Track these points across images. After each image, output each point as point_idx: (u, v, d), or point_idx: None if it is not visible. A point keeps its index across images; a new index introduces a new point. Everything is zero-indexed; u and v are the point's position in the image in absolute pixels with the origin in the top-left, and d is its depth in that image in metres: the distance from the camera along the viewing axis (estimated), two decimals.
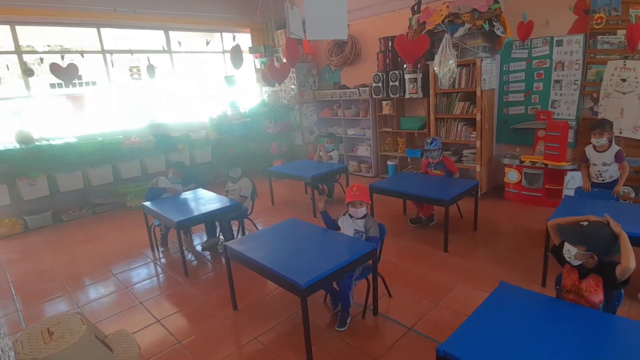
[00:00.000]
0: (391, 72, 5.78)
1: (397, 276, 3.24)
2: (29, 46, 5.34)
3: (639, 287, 2.63)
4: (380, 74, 5.92)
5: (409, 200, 4.49)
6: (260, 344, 2.55)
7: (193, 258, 4.03)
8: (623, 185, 3.36)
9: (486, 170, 5.10)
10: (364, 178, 6.56)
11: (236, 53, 5.09)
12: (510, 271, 3.20)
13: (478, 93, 4.72)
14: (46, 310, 3.18)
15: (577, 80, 4.48)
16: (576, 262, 1.79)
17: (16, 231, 4.97)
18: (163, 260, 3.99)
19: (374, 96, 6.15)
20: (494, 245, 3.74)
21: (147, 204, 3.98)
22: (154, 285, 3.49)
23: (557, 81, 4.64)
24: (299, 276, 2.17)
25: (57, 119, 5.61)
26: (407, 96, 5.66)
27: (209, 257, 4.02)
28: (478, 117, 4.80)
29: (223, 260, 3.38)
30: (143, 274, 3.70)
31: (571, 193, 3.75)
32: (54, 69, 4.98)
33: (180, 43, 6.51)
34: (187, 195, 4.27)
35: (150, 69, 5.95)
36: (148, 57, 6.08)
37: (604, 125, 3.34)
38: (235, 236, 4.14)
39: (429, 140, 4.18)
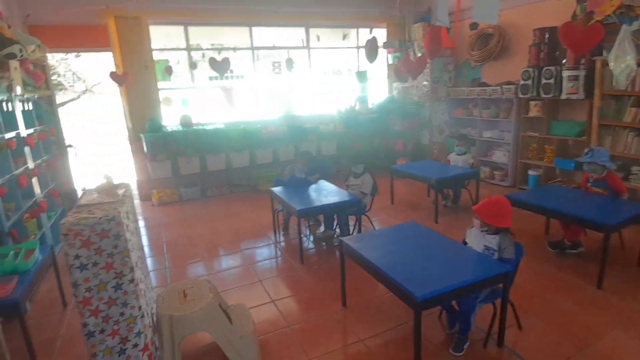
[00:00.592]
0: (545, 68, 4.99)
1: (530, 306, 2.78)
2: (197, 44, 6.27)
3: None
4: (531, 70, 5.16)
5: (555, 219, 3.81)
6: (366, 348, 2.47)
7: (311, 245, 4.18)
8: None
9: None
10: (497, 187, 5.88)
11: (372, 45, 5.02)
12: None
13: None
14: (188, 271, 3.69)
15: None
16: None
17: (173, 199, 5.93)
18: (283, 244, 4.24)
19: (521, 95, 5.41)
20: None
21: (276, 189, 4.24)
22: (273, 266, 3.73)
23: None
24: (415, 287, 2.00)
25: (212, 107, 6.48)
26: (563, 96, 4.82)
27: (324, 247, 4.12)
28: None
29: (337, 253, 3.41)
30: (265, 254, 3.99)
31: None
32: (212, 62, 5.71)
33: (319, 37, 6.79)
34: (311, 185, 4.43)
35: (289, 63, 6.36)
36: (288, 52, 6.50)
37: None
38: (350, 231, 4.15)
39: (586, 151, 3.47)
